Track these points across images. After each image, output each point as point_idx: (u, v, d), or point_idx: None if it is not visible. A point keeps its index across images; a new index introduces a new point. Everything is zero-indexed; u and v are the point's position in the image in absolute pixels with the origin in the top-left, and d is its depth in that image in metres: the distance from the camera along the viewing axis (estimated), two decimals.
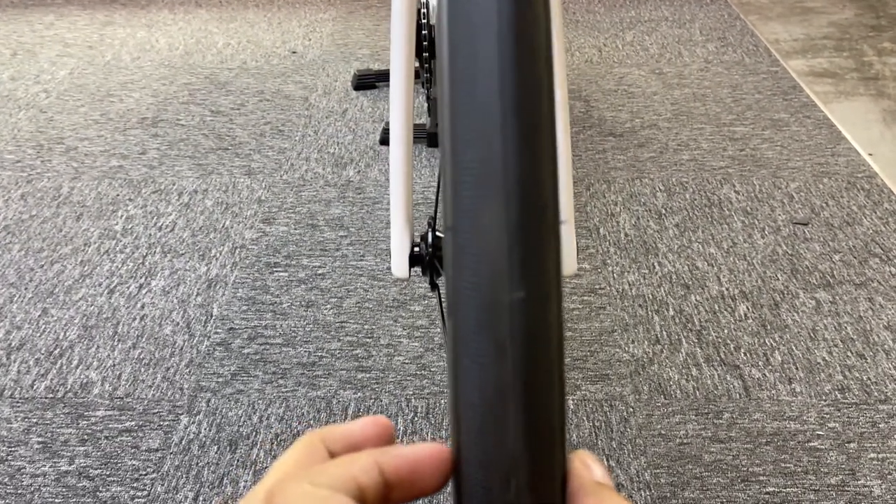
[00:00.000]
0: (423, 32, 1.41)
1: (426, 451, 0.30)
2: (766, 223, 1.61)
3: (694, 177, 1.76)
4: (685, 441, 1.15)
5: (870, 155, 1.83)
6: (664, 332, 1.35)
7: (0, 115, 2.03)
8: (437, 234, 0.82)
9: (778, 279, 1.46)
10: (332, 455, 0.31)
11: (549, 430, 0.28)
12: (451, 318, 0.30)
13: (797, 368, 1.27)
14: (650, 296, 1.43)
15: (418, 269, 0.86)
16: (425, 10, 1.41)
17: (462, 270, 0.29)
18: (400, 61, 0.75)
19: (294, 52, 2.39)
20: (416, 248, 0.81)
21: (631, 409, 1.20)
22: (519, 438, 0.27)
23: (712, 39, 2.45)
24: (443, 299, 1.21)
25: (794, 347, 1.31)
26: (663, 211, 1.65)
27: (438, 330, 1.35)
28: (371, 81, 2.17)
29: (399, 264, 0.81)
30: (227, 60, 2.33)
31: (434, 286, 0.83)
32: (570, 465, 0.30)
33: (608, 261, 1.51)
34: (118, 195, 1.71)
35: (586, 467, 0.31)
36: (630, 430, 1.17)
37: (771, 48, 2.37)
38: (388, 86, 2.18)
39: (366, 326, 1.36)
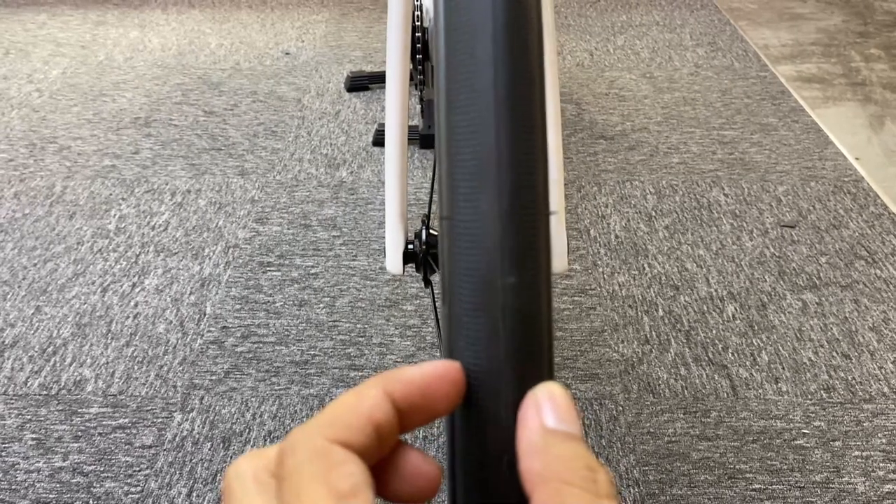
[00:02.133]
0: (417, 35, 1.43)
1: (436, 372, 0.28)
2: (755, 226, 1.63)
3: (684, 180, 1.78)
4: (673, 439, 1.17)
5: (856, 159, 1.86)
6: (653, 333, 1.36)
7: None
8: (432, 231, 0.83)
9: (765, 281, 1.48)
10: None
11: None
12: (447, 303, 0.31)
13: (784, 368, 1.29)
14: (640, 297, 1.44)
15: (411, 268, 0.87)
16: (419, 14, 1.43)
17: (457, 257, 0.30)
18: (395, 63, 0.77)
19: (287, 54, 2.40)
20: (410, 246, 0.83)
21: (620, 408, 1.22)
22: (510, 415, 0.29)
23: (702, 44, 2.47)
24: (436, 296, 1.22)
25: (780, 348, 1.33)
26: (653, 213, 1.67)
27: (430, 329, 1.36)
28: (364, 83, 2.18)
29: (393, 260, 0.82)
30: (221, 61, 2.34)
31: (427, 283, 0.84)
32: (519, 412, 0.28)
33: (599, 262, 1.53)
34: (111, 194, 1.72)
35: (537, 411, 0.28)
36: (619, 429, 1.18)
37: (760, 53, 2.40)
38: (381, 88, 2.19)
39: (358, 325, 1.37)
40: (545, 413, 0.28)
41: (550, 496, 0.25)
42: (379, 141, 1.89)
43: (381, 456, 0.27)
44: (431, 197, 0.86)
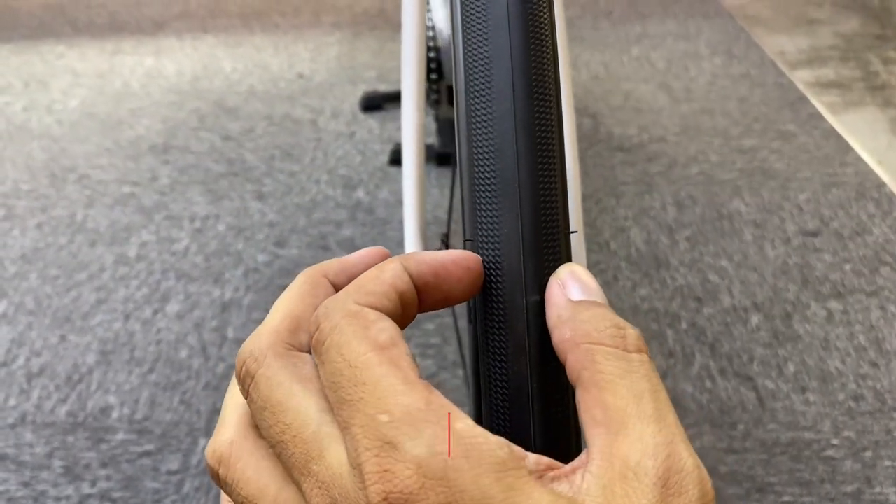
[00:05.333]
0: (431, 55, 1.43)
1: (450, 256, 0.30)
2: (777, 234, 1.61)
3: (704, 190, 1.77)
4: (701, 453, 1.16)
5: (878, 164, 1.84)
6: (677, 346, 1.35)
7: (14, 145, 2.06)
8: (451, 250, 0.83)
9: (789, 290, 1.46)
10: (336, 287, 0.31)
11: (564, 415, 0.31)
12: (474, 322, 0.32)
13: (810, 378, 1.27)
14: (663, 310, 1.43)
15: None
16: (432, 34, 1.43)
17: (482, 278, 0.32)
18: (411, 83, 0.77)
19: (301, 76, 2.41)
20: None
21: None
22: (538, 424, 0.30)
23: (718, 53, 2.46)
24: (456, 314, 1.21)
25: (806, 357, 1.32)
26: (674, 225, 1.66)
27: (451, 348, 1.36)
28: (378, 103, 2.19)
29: None
30: (235, 85, 2.36)
31: None
32: (547, 290, 0.30)
33: (619, 276, 1.52)
34: (131, 222, 1.73)
35: (561, 287, 0.30)
36: None
37: (777, 60, 2.39)
38: (395, 107, 2.20)
39: None
40: (569, 288, 0.30)
41: (581, 357, 0.27)
42: (395, 160, 1.90)
43: (403, 325, 0.29)
44: (450, 215, 0.86)
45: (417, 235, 0.81)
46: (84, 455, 1.18)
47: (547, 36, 0.33)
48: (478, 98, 0.33)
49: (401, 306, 0.28)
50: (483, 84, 0.33)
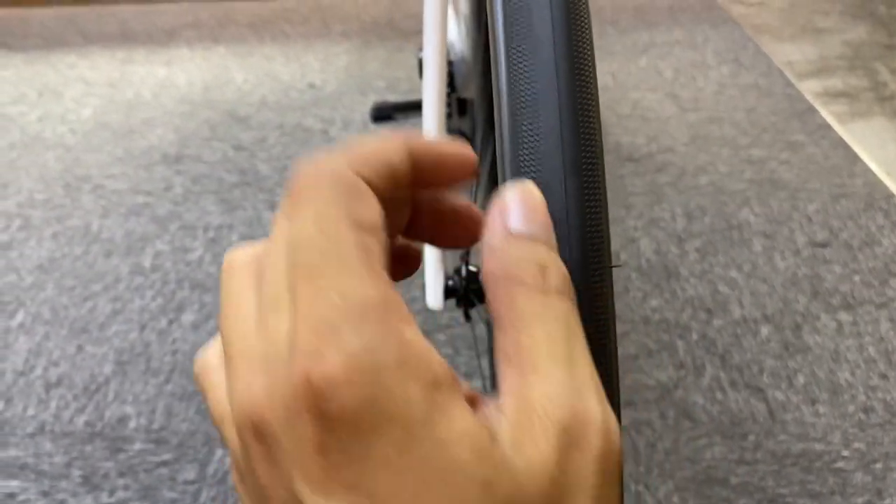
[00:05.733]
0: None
1: (451, 147, 0.29)
2: (786, 245, 1.63)
3: (713, 200, 1.78)
4: (712, 464, 1.17)
5: (887, 174, 1.85)
6: (688, 357, 1.36)
7: (29, 155, 2.08)
8: (471, 268, 0.84)
9: (799, 301, 1.47)
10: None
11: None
12: None
13: (820, 390, 1.29)
14: (673, 321, 1.44)
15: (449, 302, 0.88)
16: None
17: None
18: (432, 98, 0.78)
19: (312, 86, 2.43)
20: (450, 281, 0.84)
21: (657, 434, 1.22)
22: None
23: (726, 62, 2.47)
24: (473, 320, 1.23)
25: (816, 369, 1.33)
26: (683, 235, 1.67)
27: (464, 359, 1.37)
28: (389, 113, 2.20)
29: (434, 296, 0.84)
30: (247, 95, 2.37)
31: (468, 317, 0.85)
32: (488, 212, 0.29)
33: (630, 286, 1.53)
34: (145, 231, 1.75)
35: (501, 212, 0.28)
36: (657, 455, 1.19)
37: (784, 70, 2.40)
38: (406, 118, 2.20)
39: None
40: (510, 215, 0.28)
41: (502, 295, 0.26)
42: None
43: (392, 214, 0.28)
44: None
45: (438, 253, 0.82)
46: (102, 464, 1.20)
47: (591, 67, 0.34)
48: (524, 136, 0.33)
49: (391, 185, 0.27)
50: (529, 122, 0.33)
